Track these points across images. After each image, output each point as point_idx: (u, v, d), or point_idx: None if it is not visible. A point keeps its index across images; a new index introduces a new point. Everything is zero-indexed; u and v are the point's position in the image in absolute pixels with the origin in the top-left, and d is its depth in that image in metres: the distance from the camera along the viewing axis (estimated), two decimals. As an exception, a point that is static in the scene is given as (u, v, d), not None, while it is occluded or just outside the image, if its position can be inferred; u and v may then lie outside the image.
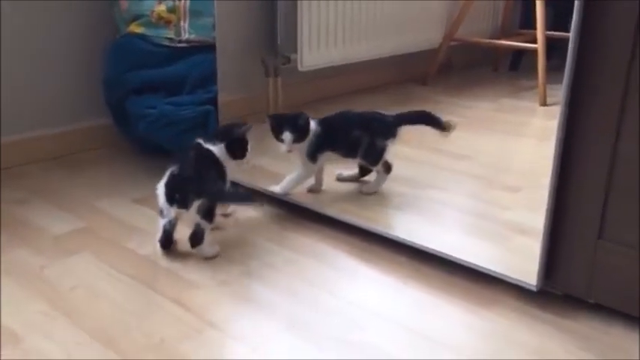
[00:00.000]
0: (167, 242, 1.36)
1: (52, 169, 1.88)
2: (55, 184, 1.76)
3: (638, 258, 1.08)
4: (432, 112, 1.61)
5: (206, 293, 1.24)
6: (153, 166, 1.84)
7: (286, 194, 1.59)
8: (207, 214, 1.33)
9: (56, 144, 1.96)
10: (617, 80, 1.04)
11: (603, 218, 1.10)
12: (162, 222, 1.35)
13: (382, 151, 1.60)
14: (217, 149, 1.41)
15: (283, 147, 1.53)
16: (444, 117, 1.62)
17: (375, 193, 1.64)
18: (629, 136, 1.05)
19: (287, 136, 1.51)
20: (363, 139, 1.58)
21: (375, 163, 1.62)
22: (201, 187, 1.32)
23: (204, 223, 1.33)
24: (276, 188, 1.60)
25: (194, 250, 1.35)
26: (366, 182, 1.68)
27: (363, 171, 1.69)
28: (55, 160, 1.94)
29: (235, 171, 1.47)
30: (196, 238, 1.34)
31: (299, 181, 1.60)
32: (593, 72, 1.06)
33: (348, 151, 1.61)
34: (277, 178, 1.63)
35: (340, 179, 1.71)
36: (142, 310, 1.18)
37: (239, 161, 1.44)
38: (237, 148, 1.43)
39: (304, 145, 1.55)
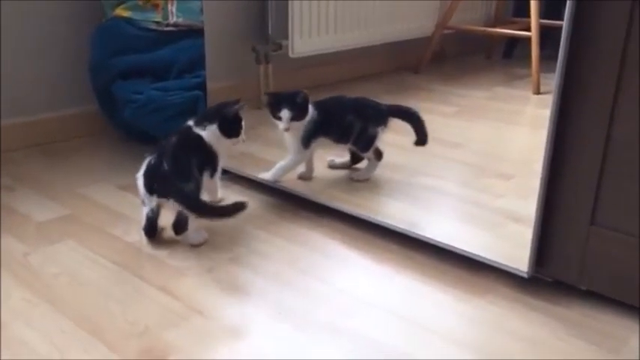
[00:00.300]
0: (152, 230, 1.34)
1: (37, 156, 1.85)
2: (39, 171, 1.73)
3: (635, 244, 1.07)
4: (422, 120, 1.58)
5: (192, 280, 1.21)
6: (138, 153, 1.81)
7: (276, 182, 1.57)
8: (187, 201, 1.29)
9: (41, 131, 1.93)
10: (611, 66, 1.02)
11: (595, 205, 1.09)
12: (145, 210, 1.32)
13: (374, 138, 1.58)
14: (208, 133, 1.37)
15: (281, 125, 1.48)
16: (437, 105, 1.60)
17: (366, 180, 1.62)
18: (622, 122, 1.04)
19: (285, 113, 1.47)
20: (355, 124, 1.56)
21: (367, 149, 1.60)
22: (176, 184, 1.28)
23: (186, 211, 1.30)
24: (267, 175, 1.58)
25: (179, 238, 1.33)
26: (357, 169, 1.66)
27: (355, 158, 1.67)
28: (40, 147, 1.91)
29: (229, 151, 1.44)
30: (179, 226, 1.31)
31: (290, 167, 1.57)
32: (586, 58, 1.04)
33: (340, 136, 1.58)
34: (267, 165, 1.60)
35: (332, 166, 1.68)
36: (127, 297, 1.16)
37: (234, 140, 1.40)
38: (231, 127, 1.39)
39: (300, 129, 1.52)
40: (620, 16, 1.00)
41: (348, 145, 1.61)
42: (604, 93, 1.04)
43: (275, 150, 1.65)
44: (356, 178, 1.62)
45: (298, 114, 1.49)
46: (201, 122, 1.38)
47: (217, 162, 1.40)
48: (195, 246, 1.33)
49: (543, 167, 1.11)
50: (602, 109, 1.05)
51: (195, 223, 1.33)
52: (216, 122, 1.38)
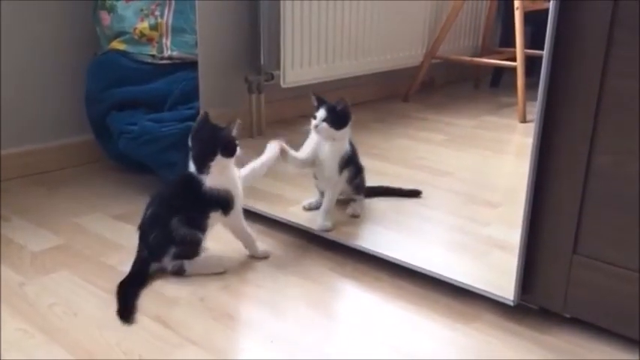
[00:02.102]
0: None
1: (33, 186, 1.87)
2: (35, 201, 1.75)
3: (616, 273, 1.10)
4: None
5: (185, 309, 1.23)
6: (134, 182, 1.85)
7: (330, 229, 1.52)
8: (181, 257, 1.34)
9: (36, 160, 1.95)
10: (590, 95, 1.06)
11: (577, 233, 1.12)
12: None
13: (364, 181, 1.62)
14: (210, 176, 1.32)
15: (313, 122, 1.47)
16: (426, 134, 1.62)
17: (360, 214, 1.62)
18: (601, 153, 1.08)
19: (321, 112, 1.47)
20: (362, 170, 1.61)
21: (361, 192, 1.62)
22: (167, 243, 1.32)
23: (183, 263, 1.34)
24: (318, 226, 1.52)
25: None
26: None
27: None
28: (35, 177, 1.93)
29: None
30: (176, 272, 1.35)
31: (332, 202, 1.54)
32: (567, 87, 1.08)
33: (354, 175, 1.57)
34: (261, 194, 1.61)
35: (310, 209, 1.63)
36: (121, 327, 1.17)
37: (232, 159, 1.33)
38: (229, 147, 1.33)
39: (340, 151, 1.50)
40: (598, 48, 1.04)
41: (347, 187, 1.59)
42: (583, 124, 1.08)
43: (275, 181, 1.67)
44: (355, 214, 1.61)
45: (334, 119, 1.47)
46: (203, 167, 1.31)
47: (228, 202, 1.35)
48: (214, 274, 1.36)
49: (526, 197, 1.15)
50: (581, 140, 1.09)
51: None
52: (218, 151, 1.31)
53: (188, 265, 1.34)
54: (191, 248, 1.34)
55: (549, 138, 1.11)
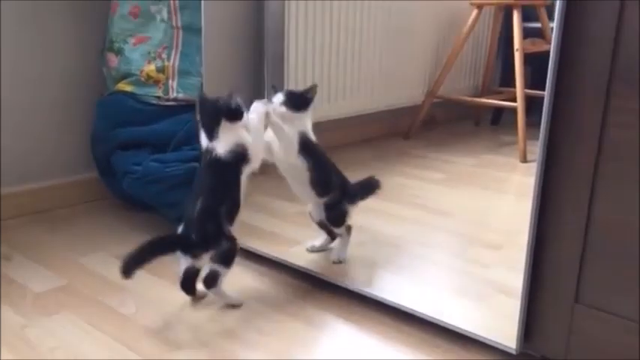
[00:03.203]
0: (187, 283, 1.39)
1: (35, 224, 1.88)
2: (37, 240, 1.75)
3: (617, 324, 1.10)
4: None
5: (188, 354, 1.23)
6: (137, 222, 1.86)
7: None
8: (223, 259, 1.36)
9: (39, 198, 1.96)
10: (591, 142, 1.08)
11: (579, 282, 1.13)
12: (183, 263, 1.38)
13: (346, 212, 1.56)
14: (222, 145, 1.36)
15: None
16: (425, 172, 1.62)
17: (345, 259, 1.58)
18: (601, 203, 1.09)
19: (278, 96, 1.48)
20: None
21: (341, 223, 1.57)
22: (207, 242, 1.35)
23: (220, 268, 1.37)
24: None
25: (211, 292, 1.39)
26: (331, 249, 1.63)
27: (331, 234, 1.62)
28: (37, 215, 1.93)
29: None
30: (210, 280, 1.38)
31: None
32: (567, 134, 1.09)
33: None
34: (271, 237, 1.60)
35: (313, 251, 1.63)
36: (123, 372, 1.17)
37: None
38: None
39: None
40: (597, 97, 1.05)
41: (320, 220, 1.58)
42: (583, 175, 1.09)
43: (276, 220, 1.67)
44: (337, 260, 1.57)
45: (293, 103, 1.47)
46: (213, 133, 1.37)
47: (244, 154, 1.37)
48: (231, 306, 1.40)
49: (528, 243, 1.15)
50: (582, 189, 1.10)
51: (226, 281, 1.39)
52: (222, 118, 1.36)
53: (221, 278, 1.37)
54: (231, 253, 1.37)
55: (550, 186, 1.12)
